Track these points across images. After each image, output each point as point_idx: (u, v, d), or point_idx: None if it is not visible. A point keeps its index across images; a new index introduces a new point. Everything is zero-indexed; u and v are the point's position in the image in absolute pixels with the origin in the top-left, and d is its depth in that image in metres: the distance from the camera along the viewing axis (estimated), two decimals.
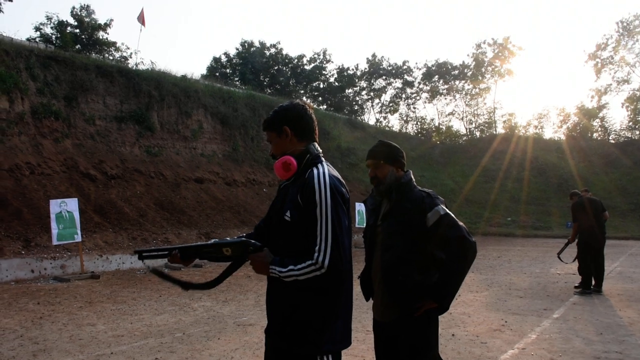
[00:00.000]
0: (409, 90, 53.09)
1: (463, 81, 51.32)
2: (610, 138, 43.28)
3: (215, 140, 21.92)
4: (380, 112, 54.18)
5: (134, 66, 23.71)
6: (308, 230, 2.21)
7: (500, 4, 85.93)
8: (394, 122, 68.08)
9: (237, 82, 39.94)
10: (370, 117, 54.07)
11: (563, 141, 41.18)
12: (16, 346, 5.73)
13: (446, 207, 2.94)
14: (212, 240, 2.43)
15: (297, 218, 2.24)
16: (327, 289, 2.23)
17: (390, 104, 53.76)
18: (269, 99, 28.19)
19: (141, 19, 23.18)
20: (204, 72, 46.11)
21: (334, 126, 32.31)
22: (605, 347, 5.73)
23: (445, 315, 4.85)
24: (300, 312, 2.23)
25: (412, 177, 3.09)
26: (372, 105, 54.23)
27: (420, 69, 52.21)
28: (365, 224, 3.32)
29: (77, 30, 30.46)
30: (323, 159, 2.41)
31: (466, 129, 51.27)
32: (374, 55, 52.33)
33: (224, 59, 47.50)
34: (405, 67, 51.91)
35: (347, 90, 51.43)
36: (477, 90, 51.06)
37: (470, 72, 50.51)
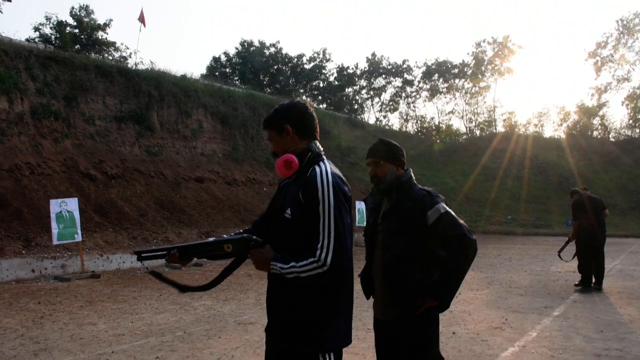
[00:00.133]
0: (408, 89, 53.12)
1: (463, 80, 51.33)
2: (610, 136, 43.29)
3: (215, 140, 21.92)
4: (380, 111, 54.24)
5: (134, 66, 23.71)
6: (310, 228, 2.21)
7: (500, 3, 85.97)
8: (393, 121, 68.19)
9: (237, 82, 39.94)
10: (370, 116, 54.18)
11: (563, 139, 41.15)
12: (17, 345, 5.73)
13: (446, 205, 2.94)
14: (211, 239, 2.43)
15: (299, 215, 2.24)
16: (329, 287, 2.23)
17: (390, 103, 53.79)
18: (268, 98, 28.19)
19: (142, 19, 23.22)
20: (204, 71, 46.20)
21: (334, 125, 32.31)
22: (605, 344, 5.74)
23: (446, 313, 4.86)
24: (302, 310, 2.23)
25: (412, 175, 3.09)
26: (372, 104, 54.29)
27: (420, 68, 52.33)
28: (365, 223, 3.32)
29: (77, 31, 30.43)
30: (324, 157, 2.41)
31: (466, 127, 51.33)
32: (373, 54, 52.39)
33: (223, 58, 47.54)
34: (405, 65, 51.93)
35: (347, 89, 51.44)
36: (477, 88, 51.09)
37: (470, 71, 50.48)
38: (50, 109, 15.77)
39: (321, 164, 2.33)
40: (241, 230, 2.53)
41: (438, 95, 52.52)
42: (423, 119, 52.92)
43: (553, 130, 56.98)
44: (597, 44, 45.30)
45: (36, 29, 29.37)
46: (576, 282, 9.75)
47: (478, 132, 49.03)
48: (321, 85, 50.67)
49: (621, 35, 43.78)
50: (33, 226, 12.29)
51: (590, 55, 45.47)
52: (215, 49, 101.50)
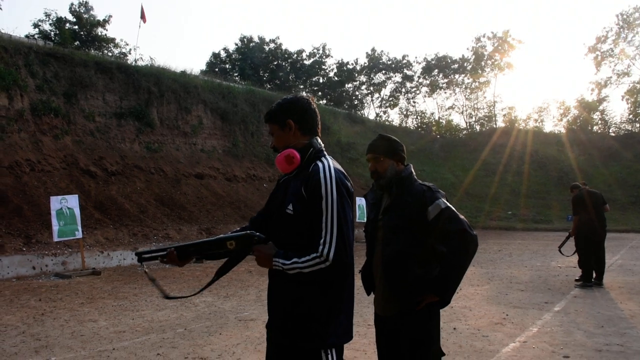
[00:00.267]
0: (408, 85, 52.94)
1: (463, 75, 51.15)
2: (610, 131, 43.18)
3: (215, 136, 21.91)
4: (380, 106, 54.09)
5: (133, 62, 23.69)
6: (312, 223, 2.20)
7: None
8: (393, 117, 68.28)
9: (237, 78, 39.85)
10: (370, 112, 54.01)
11: (563, 134, 41.09)
12: (18, 342, 5.74)
13: (447, 200, 2.93)
14: (213, 237, 2.42)
15: (301, 211, 2.23)
16: (331, 282, 2.22)
17: (390, 99, 53.64)
18: (268, 94, 28.15)
19: (142, 16, 23.24)
20: (203, 67, 46.11)
21: (334, 121, 32.26)
22: (606, 339, 5.74)
23: (447, 309, 4.84)
24: (304, 306, 2.22)
25: (413, 170, 3.08)
26: (372, 100, 54.15)
27: (419, 63, 52.04)
28: (365, 219, 3.32)
29: (76, 27, 30.38)
30: (326, 153, 2.40)
31: (466, 122, 51.25)
32: (373, 50, 52.24)
33: (223, 54, 47.41)
34: (404, 61, 51.75)
35: (346, 85, 51.31)
36: (477, 84, 50.94)
37: (470, 66, 50.35)
38: (50, 106, 15.75)
39: (323, 159, 2.32)
40: (237, 229, 2.52)
41: (438, 90, 52.42)
42: (423, 115, 52.85)
43: (553, 125, 56.93)
44: (597, 38, 45.22)
45: (36, 25, 29.35)
46: (577, 278, 9.76)
47: (478, 128, 48.96)
48: (321, 81, 50.55)
49: (621, 30, 43.63)
50: (33, 223, 12.29)
51: (590, 49, 45.35)
52: (215, 44, 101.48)
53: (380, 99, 53.85)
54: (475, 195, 32.15)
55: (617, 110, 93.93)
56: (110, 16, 31.80)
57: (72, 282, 10.06)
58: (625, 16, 43.08)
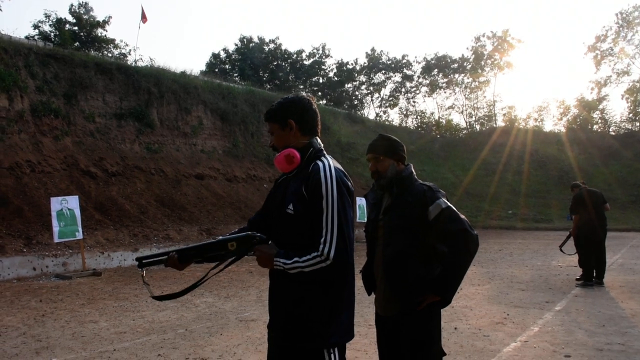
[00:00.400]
0: (408, 84, 52.96)
1: (462, 74, 51.19)
2: (610, 130, 43.21)
3: (215, 137, 21.90)
4: (380, 106, 54.10)
5: (133, 63, 23.71)
6: (313, 223, 2.20)
7: None
8: (393, 116, 68.21)
9: (237, 78, 39.87)
10: (370, 112, 54.02)
11: (563, 133, 41.07)
12: (19, 344, 5.74)
13: (447, 200, 2.93)
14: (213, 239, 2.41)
15: (302, 211, 2.23)
16: (332, 282, 2.22)
17: (390, 98, 53.64)
18: (268, 94, 28.15)
19: (143, 16, 23.26)
20: (203, 68, 46.11)
21: (334, 121, 32.26)
22: (607, 338, 5.74)
23: (448, 308, 4.83)
24: (305, 306, 2.22)
25: (413, 170, 3.08)
26: (372, 100, 54.16)
27: (419, 63, 52.05)
28: (366, 219, 3.31)
29: (76, 28, 30.42)
30: (325, 152, 2.40)
31: (466, 122, 51.25)
32: (373, 50, 52.28)
33: (222, 55, 47.40)
34: (404, 61, 51.76)
35: (346, 85, 51.32)
36: (477, 83, 50.95)
37: (470, 66, 50.36)
38: (50, 107, 15.75)
39: (323, 159, 2.32)
40: (235, 230, 2.51)
41: (438, 90, 52.43)
42: (423, 114, 52.86)
43: (553, 124, 57.02)
44: (596, 37, 45.17)
45: (35, 26, 29.39)
46: (577, 277, 9.75)
47: (478, 127, 48.97)
48: (321, 81, 50.55)
49: (621, 29, 43.62)
50: (34, 224, 12.29)
51: (590, 48, 45.34)
52: (215, 45, 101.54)
53: (380, 98, 53.91)
54: (476, 195, 32.14)
55: (617, 109, 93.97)
56: (110, 17, 31.85)
57: (72, 283, 10.06)
58: (624, 15, 43.10)
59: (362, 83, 52.96)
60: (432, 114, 53.86)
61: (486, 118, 50.13)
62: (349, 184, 2.31)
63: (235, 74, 43.56)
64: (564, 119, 47.05)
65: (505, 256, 14.33)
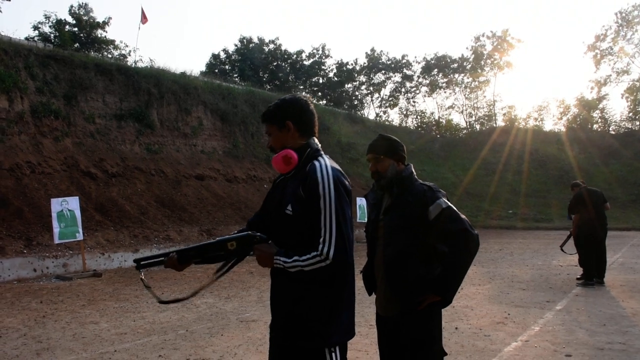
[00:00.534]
0: (408, 84, 52.97)
1: (462, 74, 51.19)
2: (610, 129, 43.19)
3: (215, 137, 21.91)
4: (380, 106, 54.10)
5: (133, 64, 23.72)
6: (311, 223, 2.20)
7: None
8: (393, 116, 68.20)
9: (237, 79, 39.89)
10: (370, 112, 54.03)
11: (563, 133, 41.07)
12: (20, 345, 5.74)
13: (447, 200, 2.93)
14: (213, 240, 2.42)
15: (300, 211, 2.23)
16: (332, 281, 2.23)
17: (390, 98, 53.64)
18: (268, 95, 28.15)
19: (143, 17, 23.28)
20: (203, 68, 46.12)
21: (334, 121, 32.27)
22: (608, 338, 5.74)
23: (448, 308, 4.81)
24: (305, 305, 2.22)
25: (413, 170, 3.08)
26: (372, 100, 54.16)
27: (419, 63, 52.05)
28: (366, 219, 3.31)
29: (76, 29, 30.44)
30: (322, 153, 2.40)
31: (466, 122, 51.24)
32: (372, 50, 52.30)
33: (222, 55, 47.40)
34: (404, 61, 51.78)
35: (346, 85, 51.32)
36: (477, 83, 50.95)
37: (470, 65, 50.35)
38: (50, 108, 15.76)
39: (320, 159, 2.32)
40: (235, 231, 2.52)
41: (438, 90, 52.42)
42: (423, 114, 52.86)
43: (553, 123, 56.92)
44: (596, 36, 45.14)
45: (35, 27, 29.43)
46: (578, 276, 9.74)
47: (478, 127, 48.95)
48: (321, 81, 50.57)
49: (620, 28, 43.60)
50: (34, 225, 12.29)
51: (590, 48, 45.32)
52: (215, 46, 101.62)
53: (380, 99, 53.92)
54: (476, 195, 32.14)
55: (617, 108, 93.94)
56: (109, 18, 31.97)
57: (73, 284, 10.06)
58: (624, 14, 43.09)
59: (362, 83, 52.99)
60: (432, 114, 53.99)
61: (486, 118, 50.13)
62: (347, 183, 2.30)
63: (235, 75, 43.59)
64: (563, 119, 47.09)
65: (506, 256, 14.33)
